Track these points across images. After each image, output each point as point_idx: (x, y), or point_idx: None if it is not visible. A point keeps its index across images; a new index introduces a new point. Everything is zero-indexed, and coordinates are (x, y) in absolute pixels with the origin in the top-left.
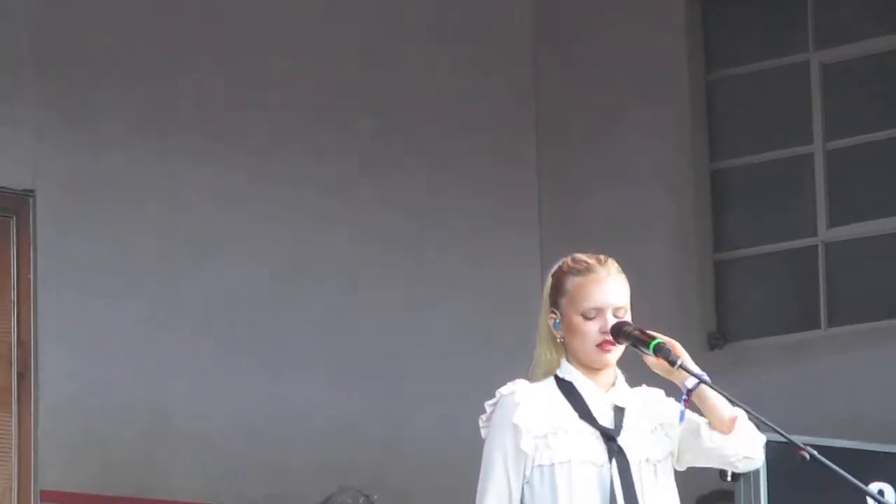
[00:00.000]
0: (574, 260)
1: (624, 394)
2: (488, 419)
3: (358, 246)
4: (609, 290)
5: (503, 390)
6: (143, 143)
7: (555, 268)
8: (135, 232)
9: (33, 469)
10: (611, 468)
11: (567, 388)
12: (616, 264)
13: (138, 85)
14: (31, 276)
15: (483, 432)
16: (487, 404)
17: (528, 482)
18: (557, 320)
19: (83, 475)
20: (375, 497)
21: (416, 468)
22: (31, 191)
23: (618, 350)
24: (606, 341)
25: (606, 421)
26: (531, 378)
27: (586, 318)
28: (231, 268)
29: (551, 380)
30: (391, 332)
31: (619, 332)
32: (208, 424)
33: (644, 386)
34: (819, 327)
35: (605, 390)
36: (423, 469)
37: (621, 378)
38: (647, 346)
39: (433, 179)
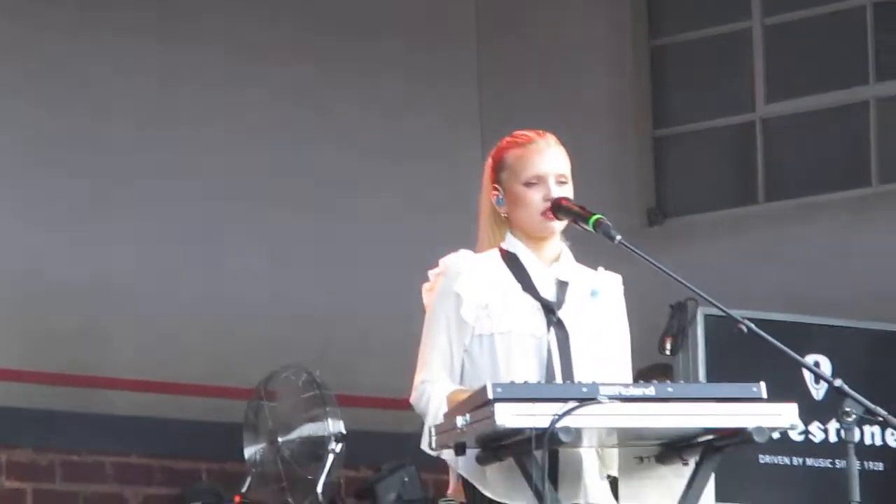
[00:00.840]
0: (513, 135)
1: (568, 268)
2: (431, 288)
3: (298, 119)
4: (550, 158)
5: (446, 260)
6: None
7: (493, 150)
8: (72, 107)
9: None
10: (549, 340)
11: (511, 260)
12: (554, 137)
13: None
14: None
15: (425, 299)
16: (431, 273)
17: (467, 351)
18: (500, 196)
19: (26, 352)
20: (317, 373)
21: (357, 343)
22: None
23: (561, 221)
24: (550, 208)
25: (549, 294)
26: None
27: (528, 185)
28: (165, 142)
29: (495, 251)
30: (330, 208)
31: (558, 207)
32: (147, 301)
33: (601, 269)
34: (757, 202)
35: (548, 264)
36: (365, 344)
37: (567, 252)
38: (586, 221)
39: (372, 64)
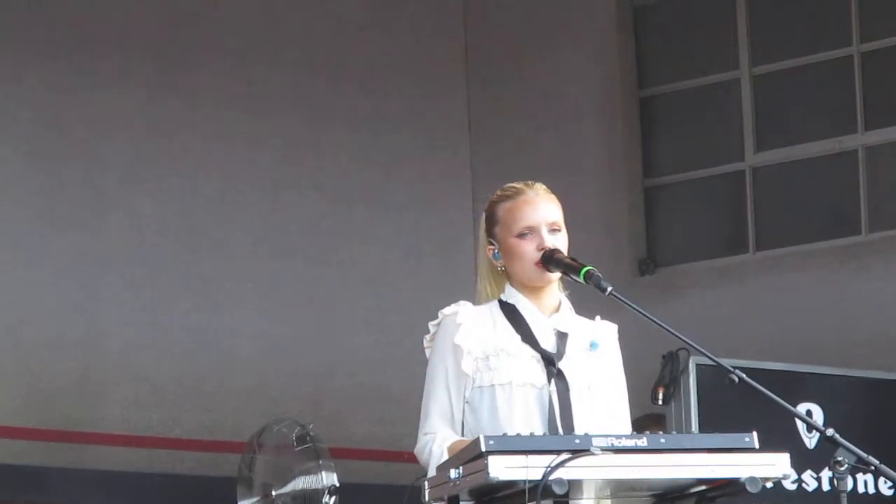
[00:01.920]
0: (503, 189)
1: (567, 319)
2: (431, 339)
3: (289, 176)
4: (540, 207)
5: (446, 311)
6: (63, 67)
7: (486, 204)
8: (62, 161)
9: None
10: (550, 391)
11: (510, 311)
12: (544, 186)
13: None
14: None
15: (427, 352)
16: (431, 324)
17: (468, 403)
18: (496, 251)
19: (18, 409)
20: (311, 426)
21: (349, 394)
22: None
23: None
24: (540, 261)
25: (548, 345)
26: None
27: (521, 237)
28: (160, 196)
29: (495, 303)
30: (323, 260)
31: (549, 259)
32: (141, 355)
33: (598, 318)
34: (748, 251)
35: (547, 315)
36: (357, 394)
37: (566, 303)
38: (577, 273)
39: (364, 114)
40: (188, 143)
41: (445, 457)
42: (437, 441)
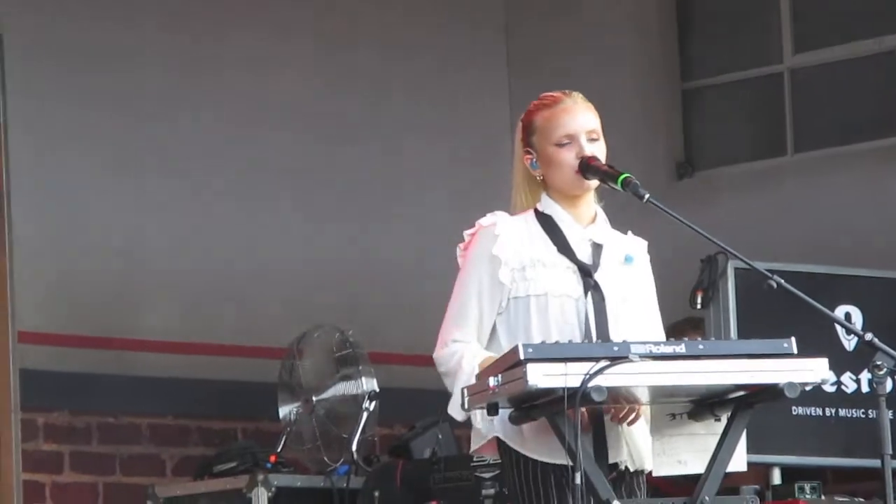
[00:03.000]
0: (540, 98)
1: (603, 231)
2: (465, 248)
3: (328, 86)
4: (578, 116)
5: (483, 221)
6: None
7: (523, 114)
8: (102, 77)
9: (10, 311)
10: (586, 302)
11: (546, 222)
12: (581, 95)
13: None
14: (2, 121)
15: (460, 261)
16: (466, 233)
17: (503, 313)
18: (534, 160)
19: (59, 316)
20: (350, 332)
21: (386, 301)
22: None
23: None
24: (578, 169)
25: (584, 256)
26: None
27: (560, 146)
28: (198, 108)
29: (531, 213)
30: (361, 168)
31: (587, 167)
32: (181, 263)
33: (630, 233)
34: (786, 153)
35: (584, 226)
36: (396, 301)
37: (602, 215)
38: (615, 180)
39: (401, 12)
40: (226, 53)
41: (476, 372)
42: (467, 355)
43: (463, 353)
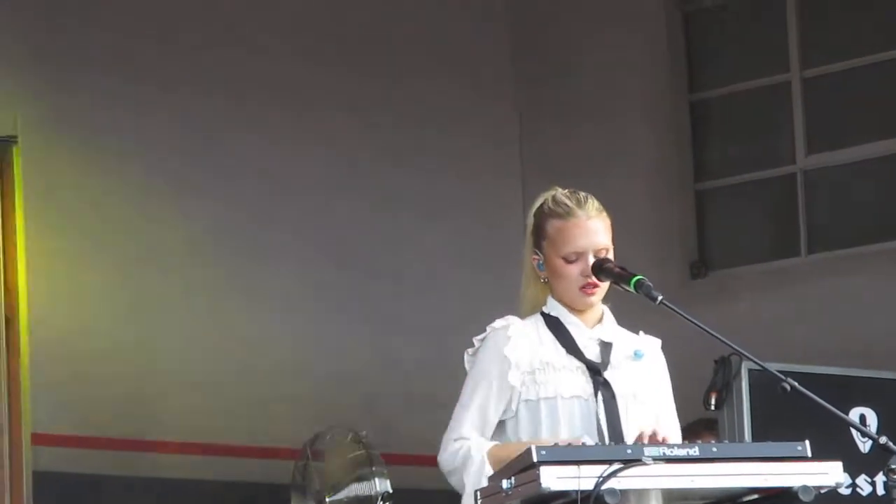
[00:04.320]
0: (555, 201)
1: (610, 329)
2: (474, 353)
3: (339, 179)
4: (589, 232)
5: (495, 324)
6: (111, 84)
7: (536, 205)
8: (116, 173)
9: (24, 413)
10: (596, 402)
11: (554, 324)
12: (596, 203)
13: (104, 23)
14: (17, 222)
15: (468, 365)
16: (476, 339)
17: (514, 417)
18: (541, 262)
19: (73, 417)
20: (364, 433)
21: (400, 400)
22: (14, 137)
23: (601, 290)
24: (589, 283)
25: (592, 355)
26: (518, 312)
27: (568, 261)
28: (211, 204)
29: (538, 316)
30: (374, 266)
31: (600, 269)
32: (195, 363)
33: (642, 333)
34: (799, 254)
35: (590, 326)
36: (409, 401)
37: (608, 314)
38: (628, 282)
39: (413, 113)
40: (238, 148)
41: (486, 461)
42: (472, 447)
43: (469, 446)
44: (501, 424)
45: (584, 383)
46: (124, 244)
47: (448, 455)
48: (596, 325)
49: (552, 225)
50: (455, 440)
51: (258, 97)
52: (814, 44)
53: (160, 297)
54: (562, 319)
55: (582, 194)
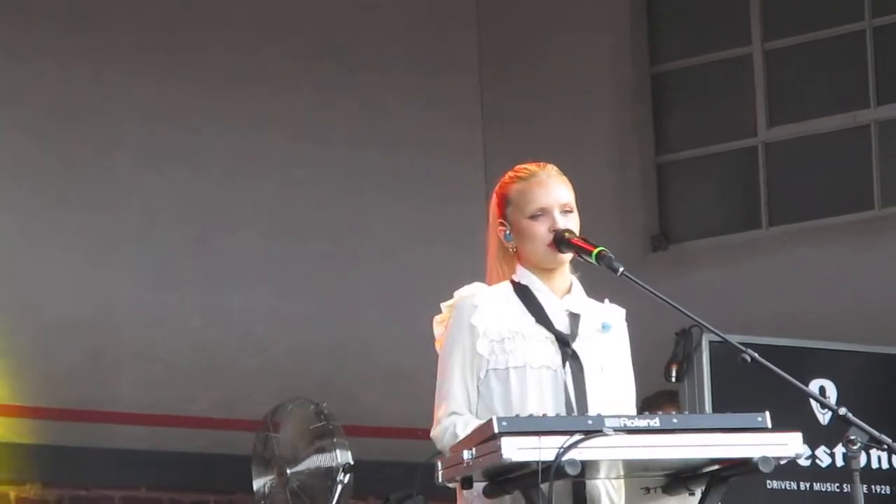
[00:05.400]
0: (514, 170)
1: (579, 300)
2: (443, 320)
3: (299, 151)
4: (552, 189)
5: (462, 292)
6: (73, 48)
7: (497, 185)
8: (73, 143)
9: None
10: (564, 373)
11: (523, 292)
12: (556, 168)
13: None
14: None
15: (436, 332)
16: (444, 305)
17: (485, 385)
18: (508, 231)
19: (30, 388)
20: (324, 404)
21: (361, 372)
22: None
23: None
24: (552, 242)
25: (562, 326)
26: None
27: (534, 219)
28: (171, 175)
29: (507, 284)
30: (334, 239)
31: (561, 240)
32: (153, 335)
33: (607, 301)
34: (760, 227)
35: (559, 296)
36: (369, 372)
37: (577, 285)
38: (589, 254)
39: (374, 93)
40: (198, 124)
41: None
42: (458, 424)
43: (455, 422)
44: (478, 391)
45: (552, 354)
46: (84, 215)
47: (438, 432)
48: (565, 296)
49: (514, 189)
50: (447, 416)
51: (222, 75)
52: (775, 16)
53: (118, 268)
54: (531, 287)
55: (542, 163)
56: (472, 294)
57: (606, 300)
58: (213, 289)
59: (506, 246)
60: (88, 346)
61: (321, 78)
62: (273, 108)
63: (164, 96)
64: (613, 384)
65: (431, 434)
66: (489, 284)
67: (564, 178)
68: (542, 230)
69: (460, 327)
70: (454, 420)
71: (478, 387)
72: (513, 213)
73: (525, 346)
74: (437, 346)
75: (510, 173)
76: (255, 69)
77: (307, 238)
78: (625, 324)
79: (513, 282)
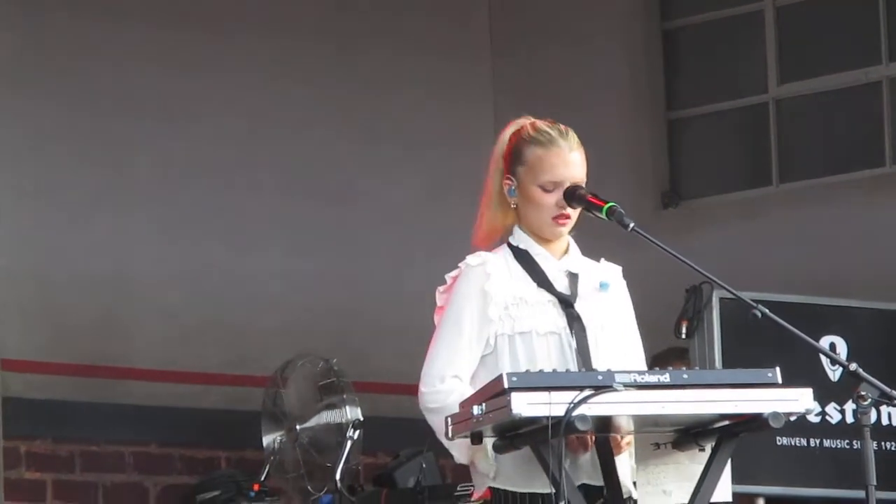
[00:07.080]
0: (535, 129)
1: (577, 260)
2: (446, 290)
3: (314, 112)
4: (569, 164)
5: (471, 261)
6: (88, 7)
7: (510, 131)
8: (90, 99)
9: None
10: (570, 335)
11: (522, 256)
12: (576, 137)
13: None
14: None
15: (440, 300)
16: (448, 276)
17: (492, 352)
18: (513, 187)
19: (43, 344)
20: (334, 361)
21: (373, 330)
22: None
23: (572, 222)
24: (563, 214)
25: (562, 287)
26: (474, 237)
27: (545, 190)
28: (187, 135)
29: (506, 248)
30: (344, 199)
31: (572, 195)
32: (167, 291)
33: (603, 260)
34: (771, 184)
35: (558, 257)
36: (380, 331)
37: (573, 245)
38: (600, 210)
39: (386, 42)
40: (215, 82)
41: None
42: (455, 396)
43: (462, 392)
44: (481, 360)
45: (556, 317)
46: (101, 173)
47: (440, 392)
48: (563, 257)
49: (533, 152)
50: (451, 377)
51: (235, 30)
52: None
53: (134, 225)
54: (530, 251)
55: (563, 126)
56: (482, 262)
57: (602, 259)
58: (229, 247)
59: (507, 200)
60: (103, 303)
61: (337, 35)
62: (286, 64)
63: (184, 54)
64: (616, 342)
65: (424, 389)
66: (480, 226)
67: (582, 150)
68: (550, 202)
69: (472, 293)
70: (458, 386)
71: (485, 354)
72: (524, 174)
73: (531, 312)
74: (436, 317)
75: (531, 130)
76: (268, 26)
77: (320, 196)
78: (623, 281)
79: (510, 245)
